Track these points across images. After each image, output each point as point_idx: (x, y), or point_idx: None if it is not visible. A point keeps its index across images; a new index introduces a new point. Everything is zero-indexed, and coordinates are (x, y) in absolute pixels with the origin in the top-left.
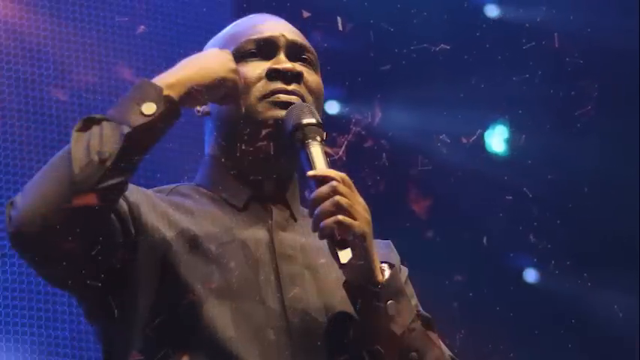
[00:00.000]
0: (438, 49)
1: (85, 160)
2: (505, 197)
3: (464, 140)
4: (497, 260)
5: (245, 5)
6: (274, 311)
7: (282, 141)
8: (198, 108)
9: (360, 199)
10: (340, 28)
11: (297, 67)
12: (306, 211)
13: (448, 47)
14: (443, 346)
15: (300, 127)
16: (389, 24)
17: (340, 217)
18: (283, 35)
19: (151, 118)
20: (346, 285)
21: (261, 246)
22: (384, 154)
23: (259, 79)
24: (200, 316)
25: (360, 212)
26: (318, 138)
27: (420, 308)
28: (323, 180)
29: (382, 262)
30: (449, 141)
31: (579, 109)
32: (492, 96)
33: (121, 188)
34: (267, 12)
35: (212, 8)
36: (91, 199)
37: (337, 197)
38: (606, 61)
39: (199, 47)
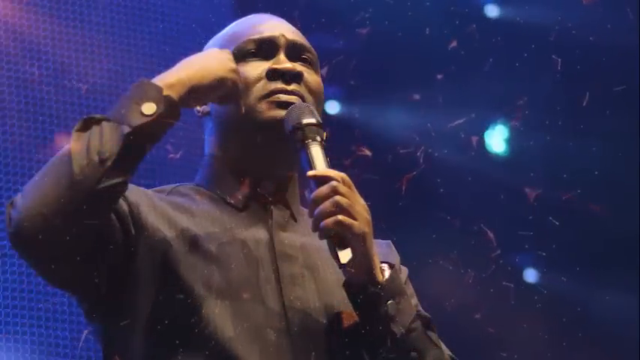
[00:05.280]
0: (438, 49)
1: (85, 160)
2: (505, 197)
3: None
4: (497, 260)
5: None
6: (274, 311)
7: (282, 141)
8: (198, 108)
9: (360, 199)
10: (340, 27)
11: (297, 67)
12: (306, 211)
13: (448, 48)
14: (443, 346)
15: (300, 127)
16: (389, 24)
17: (340, 217)
18: (283, 35)
19: (150, 118)
20: (346, 285)
21: (261, 246)
22: (383, 154)
23: (259, 79)
24: (200, 316)
25: (360, 212)
26: (318, 138)
27: (420, 308)
28: (323, 180)
29: (382, 262)
30: (449, 142)
31: (579, 109)
32: (492, 96)
33: (121, 188)
34: (267, 12)
35: (212, 8)
36: (91, 199)
37: (337, 197)
38: (606, 61)
39: (199, 47)
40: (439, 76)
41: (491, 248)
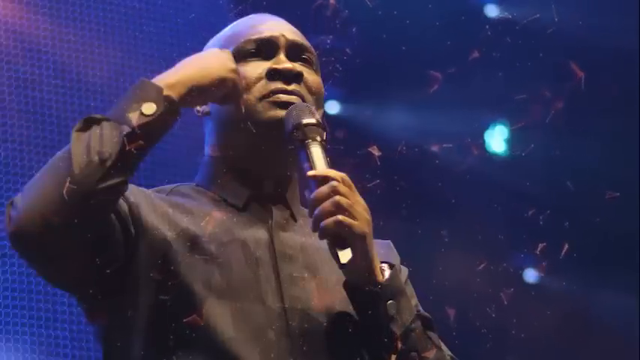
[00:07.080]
0: (438, 49)
1: (85, 160)
2: (505, 197)
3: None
4: (497, 260)
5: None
6: (274, 311)
7: (282, 141)
8: (198, 108)
9: (360, 199)
10: (340, 27)
11: (297, 67)
12: (306, 211)
13: (448, 48)
14: (443, 346)
15: (300, 127)
16: (389, 24)
17: (340, 217)
18: (283, 35)
19: (151, 118)
20: (346, 285)
21: (261, 246)
22: (383, 154)
23: (259, 79)
24: (200, 316)
25: (360, 212)
26: (318, 138)
27: (420, 308)
28: (323, 180)
29: (382, 262)
30: (450, 143)
31: (579, 109)
32: (492, 96)
33: (121, 188)
34: (268, 12)
35: (212, 8)
36: (91, 199)
37: (337, 197)
38: (606, 61)
39: (199, 47)
40: (439, 77)
41: (491, 248)
